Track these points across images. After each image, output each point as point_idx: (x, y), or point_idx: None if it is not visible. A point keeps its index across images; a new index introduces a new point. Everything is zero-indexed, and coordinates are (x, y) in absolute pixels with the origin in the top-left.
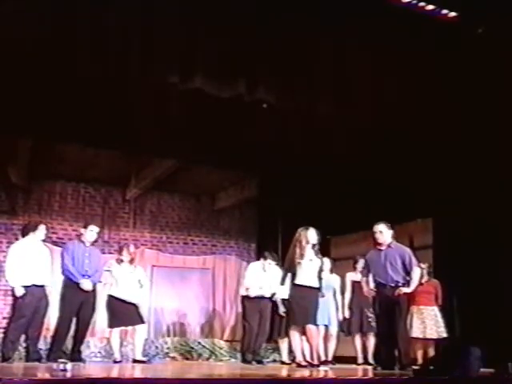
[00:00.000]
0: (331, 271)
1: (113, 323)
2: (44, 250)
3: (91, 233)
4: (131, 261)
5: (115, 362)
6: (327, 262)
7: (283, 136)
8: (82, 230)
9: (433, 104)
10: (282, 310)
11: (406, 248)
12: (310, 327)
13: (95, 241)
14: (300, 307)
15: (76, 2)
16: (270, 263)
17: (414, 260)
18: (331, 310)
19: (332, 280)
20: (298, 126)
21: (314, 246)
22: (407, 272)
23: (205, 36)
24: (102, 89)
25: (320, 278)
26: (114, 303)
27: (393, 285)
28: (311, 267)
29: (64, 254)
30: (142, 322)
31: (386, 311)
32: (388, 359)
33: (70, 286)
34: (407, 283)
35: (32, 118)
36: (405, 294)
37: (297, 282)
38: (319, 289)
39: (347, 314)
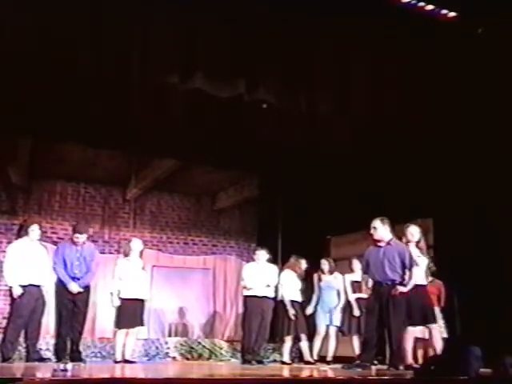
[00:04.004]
0: (332, 272)
1: (120, 324)
2: (41, 250)
3: (77, 239)
4: (140, 255)
5: (116, 362)
6: (327, 262)
7: (283, 136)
8: (71, 234)
9: (433, 104)
10: (292, 312)
11: (401, 245)
12: None
13: (92, 240)
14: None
15: (76, 1)
16: (261, 257)
17: (411, 259)
18: (333, 311)
19: (334, 281)
20: (298, 125)
21: (417, 243)
22: (405, 271)
23: (205, 36)
24: (102, 89)
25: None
26: (123, 305)
27: (389, 283)
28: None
29: (54, 257)
30: (142, 324)
31: (379, 310)
32: (367, 358)
33: (62, 287)
34: (404, 282)
35: (32, 118)
36: (401, 293)
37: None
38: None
39: (357, 313)
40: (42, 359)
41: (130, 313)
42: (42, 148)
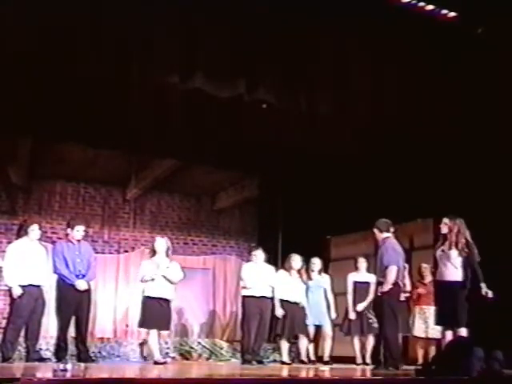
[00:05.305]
0: (321, 271)
1: (143, 324)
2: (40, 250)
3: (78, 232)
4: (167, 252)
5: (156, 363)
6: (317, 262)
7: (283, 136)
8: (69, 230)
9: (433, 104)
10: (280, 312)
11: (390, 245)
12: None
13: (92, 240)
14: None
15: (76, 1)
16: (259, 257)
17: (389, 257)
18: (323, 310)
19: (322, 280)
20: (298, 125)
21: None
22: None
23: (205, 36)
24: (102, 89)
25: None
26: (148, 303)
27: (378, 283)
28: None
29: (55, 258)
30: (167, 328)
31: (375, 311)
32: (383, 357)
33: (65, 287)
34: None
35: (32, 118)
36: (383, 292)
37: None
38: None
39: (353, 316)
40: (42, 359)
41: (153, 313)
42: (41, 148)
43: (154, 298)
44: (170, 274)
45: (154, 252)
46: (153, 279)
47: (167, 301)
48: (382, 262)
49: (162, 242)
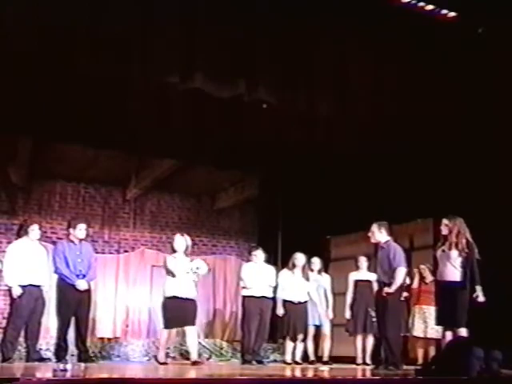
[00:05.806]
0: (321, 271)
1: (168, 324)
2: (40, 250)
3: (80, 231)
4: (186, 251)
5: (160, 363)
6: (317, 261)
7: (283, 136)
8: (71, 230)
9: (433, 104)
10: (281, 311)
11: (397, 247)
12: None
13: (92, 240)
14: None
15: (76, 2)
16: (260, 257)
17: (398, 259)
18: (322, 310)
19: (322, 280)
20: (298, 125)
21: (445, 237)
22: (394, 271)
23: (205, 36)
24: (102, 89)
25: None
26: (170, 303)
27: (382, 284)
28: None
29: (55, 257)
30: (193, 323)
31: (377, 311)
32: (383, 357)
33: (65, 287)
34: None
35: (32, 118)
36: (387, 293)
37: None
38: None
39: (348, 315)
40: (42, 359)
41: (176, 313)
42: (42, 148)
43: (176, 297)
44: (200, 270)
45: (173, 250)
46: (188, 272)
47: (191, 300)
48: (391, 263)
49: (181, 241)
